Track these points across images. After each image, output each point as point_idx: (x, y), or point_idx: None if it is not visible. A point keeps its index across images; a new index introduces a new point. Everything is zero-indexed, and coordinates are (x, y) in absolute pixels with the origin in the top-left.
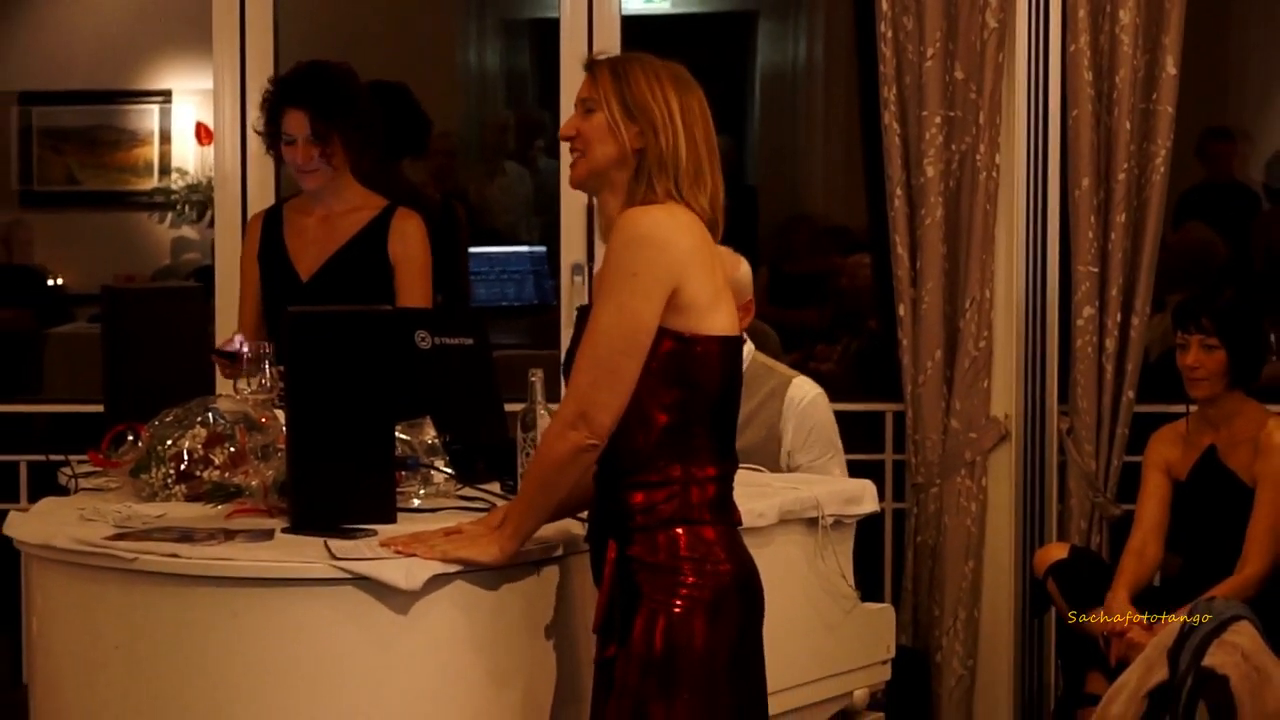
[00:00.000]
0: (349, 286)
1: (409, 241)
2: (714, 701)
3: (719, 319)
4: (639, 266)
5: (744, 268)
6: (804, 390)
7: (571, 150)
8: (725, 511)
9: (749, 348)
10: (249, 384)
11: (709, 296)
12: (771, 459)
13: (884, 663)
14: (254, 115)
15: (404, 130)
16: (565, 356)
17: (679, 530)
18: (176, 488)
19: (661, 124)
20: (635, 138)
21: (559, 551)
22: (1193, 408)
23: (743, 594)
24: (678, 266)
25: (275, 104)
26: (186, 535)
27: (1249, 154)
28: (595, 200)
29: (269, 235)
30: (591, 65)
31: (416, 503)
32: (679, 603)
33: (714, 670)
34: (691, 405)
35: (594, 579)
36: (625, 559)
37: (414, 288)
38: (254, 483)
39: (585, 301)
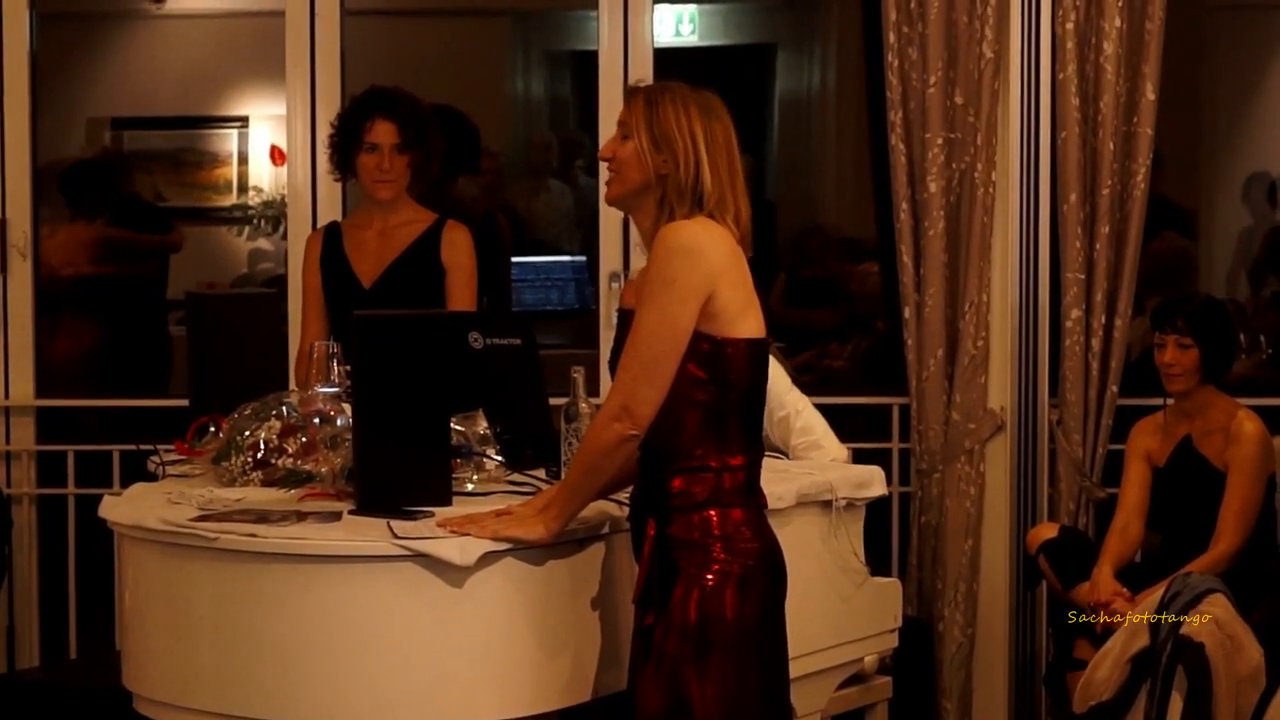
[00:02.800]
0: (406, 291)
1: (458, 250)
2: (742, 666)
3: (748, 323)
4: (677, 275)
5: None
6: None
7: (608, 169)
8: (753, 495)
9: None
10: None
11: (740, 303)
12: None
13: (891, 631)
14: (324, 136)
15: (459, 150)
16: (611, 354)
17: (711, 512)
18: (254, 474)
19: (684, 154)
20: (661, 165)
21: (600, 530)
22: (1170, 401)
23: (768, 569)
24: (711, 275)
25: (363, 113)
26: (263, 517)
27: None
28: (631, 217)
29: (330, 249)
30: (630, 92)
31: (470, 487)
32: (711, 576)
33: (743, 638)
34: (724, 401)
35: (634, 554)
36: (663, 537)
37: (462, 291)
38: (324, 469)
39: (621, 305)
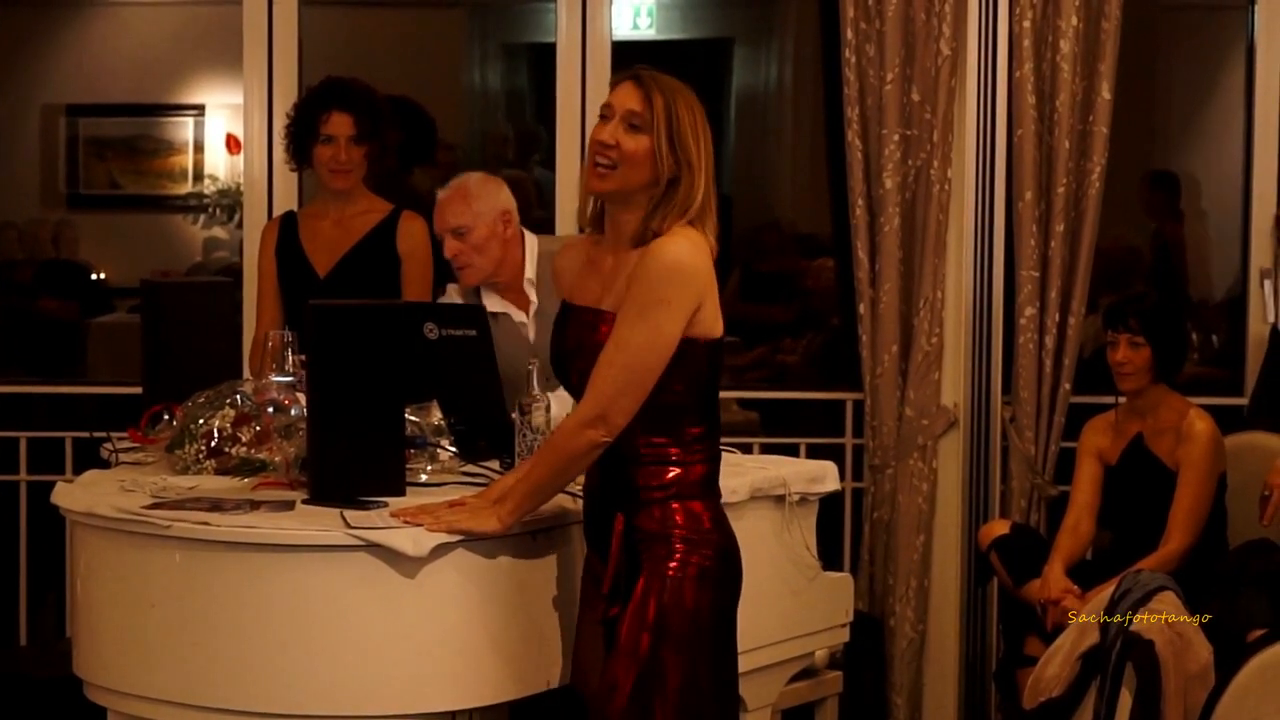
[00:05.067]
0: (362, 281)
1: (415, 240)
2: (703, 658)
3: (718, 325)
4: (672, 295)
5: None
6: None
7: (605, 157)
8: (713, 488)
9: (532, 250)
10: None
11: (714, 308)
12: None
13: (843, 626)
14: (280, 126)
15: (416, 142)
16: (554, 350)
17: (674, 505)
18: (207, 462)
19: (697, 165)
20: (671, 169)
21: (553, 522)
22: (1121, 399)
23: (726, 562)
24: (700, 291)
25: (319, 104)
26: (216, 505)
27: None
28: (605, 207)
29: (285, 238)
30: (642, 81)
31: (424, 478)
32: (673, 568)
33: (702, 630)
34: (689, 398)
35: (591, 546)
36: (629, 528)
37: (418, 281)
38: (277, 458)
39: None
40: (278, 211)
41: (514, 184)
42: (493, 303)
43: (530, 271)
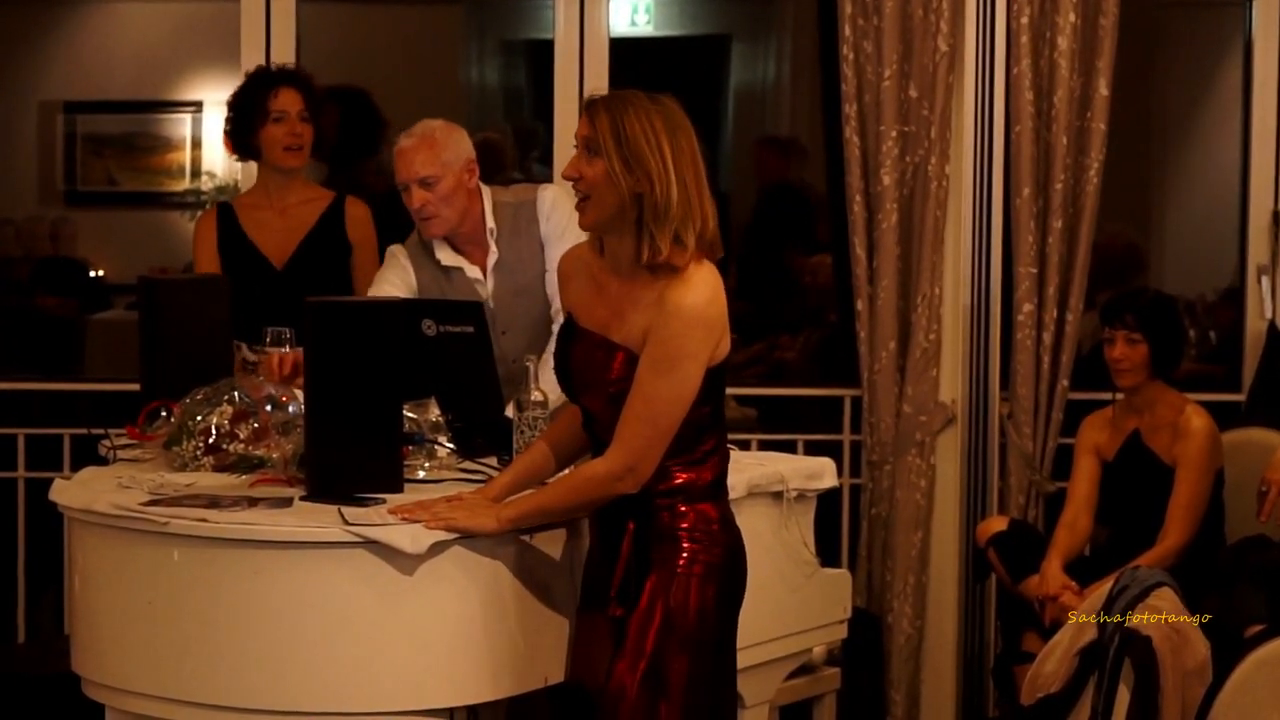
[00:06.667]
0: (317, 270)
1: (364, 225)
2: (703, 654)
3: (728, 344)
4: (697, 348)
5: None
6: (548, 194)
7: (576, 190)
8: (721, 490)
9: (489, 201)
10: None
11: (727, 333)
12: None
13: (841, 622)
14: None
15: (363, 133)
16: (558, 365)
17: (683, 507)
18: (205, 459)
19: (657, 174)
20: (635, 185)
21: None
22: (1119, 395)
23: (733, 562)
24: (721, 331)
25: (264, 84)
26: (214, 502)
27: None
28: (601, 239)
29: (227, 231)
30: (590, 107)
31: (422, 474)
32: (680, 568)
33: (705, 627)
34: (702, 417)
35: (601, 549)
36: (640, 532)
37: (370, 266)
38: (275, 455)
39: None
40: None
41: (492, 145)
42: (446, 256)
43: (491, 222)
